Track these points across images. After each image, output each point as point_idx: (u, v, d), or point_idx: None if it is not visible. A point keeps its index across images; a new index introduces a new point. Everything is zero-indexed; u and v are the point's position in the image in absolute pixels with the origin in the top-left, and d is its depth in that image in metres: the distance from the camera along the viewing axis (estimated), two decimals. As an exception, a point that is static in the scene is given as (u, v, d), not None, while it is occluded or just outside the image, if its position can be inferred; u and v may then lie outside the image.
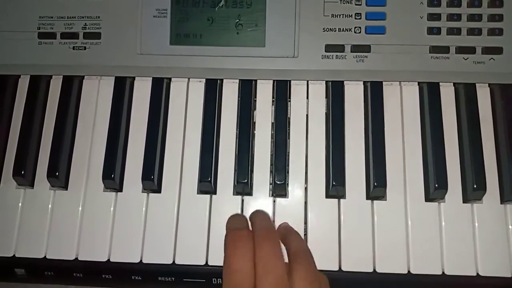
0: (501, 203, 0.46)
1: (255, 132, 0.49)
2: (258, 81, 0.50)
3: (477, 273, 0.45)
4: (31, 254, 0.47)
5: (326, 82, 0.50)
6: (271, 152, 0.48)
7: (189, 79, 0.51)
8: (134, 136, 0.49)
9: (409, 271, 0.45)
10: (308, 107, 0.49)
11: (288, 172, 0.47)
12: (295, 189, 0.47)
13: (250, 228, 0.41)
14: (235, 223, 0.41)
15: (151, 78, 0.51)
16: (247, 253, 0.37)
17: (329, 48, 0.48)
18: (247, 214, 0.46)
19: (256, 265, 0.36)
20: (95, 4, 0.50)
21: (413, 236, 0.45)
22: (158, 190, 0.48)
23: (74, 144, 0.49)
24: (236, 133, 0.49)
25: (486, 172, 0.46)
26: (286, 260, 0.38)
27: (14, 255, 0.47)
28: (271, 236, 0.39)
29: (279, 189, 0.47)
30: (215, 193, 0.47)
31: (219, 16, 0.49)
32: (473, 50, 0.48)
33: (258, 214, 0.43)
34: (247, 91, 0.50)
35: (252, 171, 0.48)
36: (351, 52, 0.48)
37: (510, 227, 0.46)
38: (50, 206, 0.48)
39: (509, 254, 0.45)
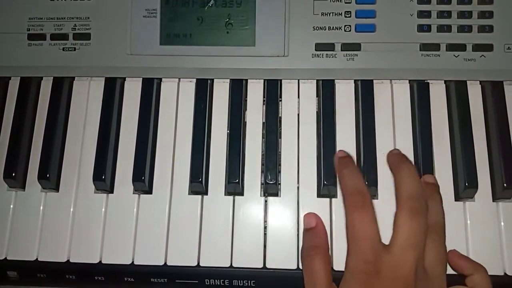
0: (493, 201, 0.46)
1: (246, 131, 0.49)
2: (249, 80, 0.50)
3: (469, 271, 0.44)
4: (23, 256, 0.47)
5: (317, 81, 0.50)
6: (262, 151, 0.48)
7: (179, 79, 0.51)
8: (124, 137, 0.49)
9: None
10: (299, 106, 0.49)
11: (279, 171, 0.47)
12: (286, 188, 0.47)
13: None
14: (353, 181, 0.41)
15: (142, 78, 0.50)
16: (372, 218, 0.38)
17: (319, 46, 0.48)
18: (238, 215, 0.47)
19: (399, 233, 0.37)
20: (84, 5, 0.50)
21: (405, 235, 0.45)
22: (149, 191, 0.48)
23: (65, 146, 0.49)
24: (227, 133, 0.49)
25: (477, 170, 0.46)
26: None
27: (5, 257, 0.47)
28: (421, 209, 0.38)
29: (270, 189, 0.47)
30: (206, 193, 0.47)
31: (209, 15, 0.49)
32: (464, 47, 0.48)
33: (408, 171, 0.41)
34: (237, 90, 0.50)
35: (243, 171, 0.48)
36: (341, 50, 0.48)
37: (502, 224, 0.46)
38: (41, 208, 0.48)
39: (501, 252, 0.45)
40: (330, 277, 0.40)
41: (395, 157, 0.44)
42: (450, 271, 0.42)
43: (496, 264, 0.45)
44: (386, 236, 0.45)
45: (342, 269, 0.44)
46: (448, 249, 0.44)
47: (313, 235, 0.43)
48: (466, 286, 0.41)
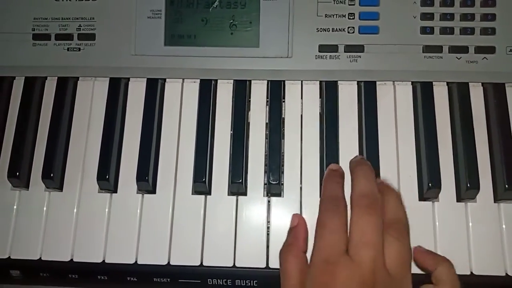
0: (494, 202, 0.46)
1: (249, 132, 0.49)
2: (252, 81, 0.50)
3: (471, 272, 0.45)
4: (26, 255, 0.47)
5: (320, 82, 0.50)
6: (265, 152, 0.48)
7: (183, 79, 0.51)
8: (128, 137, 0.49)
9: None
10: (302, 107, 0.50)
11: (282, 172, 0.48)
12: (289, 189, 0.47)
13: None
14: (333, 190, 0.41)
15: (146, 79, 0.51)
16: (342, 220, 0.37)
17: (323, 48, 0.49)
18: (242, 215, 0.47)
19: (353, 233, 0.36)
20: (89, 5, 0.50)
21: (407, 235, 0.46)
22: (153, 191, 0.48)
23: (69, 146, 0.49)
24: (231, 133, 0.49)
25: (479, 171, 0.46)
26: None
27: (9, 256, 0.47)
28: (374, 206, 0.38)
29: (273, 189, 0.47)
30: (209, 193, 0.47)
31: (213, 16, 0.50)
32: (466, 49, 0.48)
33: (362, 172, 0.41)
34: (241, 91, 0.50)
35: (246, 171, 0.48)
36: (345, 52, 0.48)
37: (503, 226, 0.46)
38: (45, 207, 0.48)
39: (502, 252, 0.45)
40: (302, 275, 0.39)
41: (354, 163, 0.44)
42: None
43: (497, 265, 0.45)
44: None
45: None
46: (450, 251, 0.44)
47: (291, 234, 0.43)
48: (432, 284, 0.40)
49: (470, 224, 0.46)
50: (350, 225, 0.38)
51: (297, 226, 0.44)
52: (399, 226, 0.38)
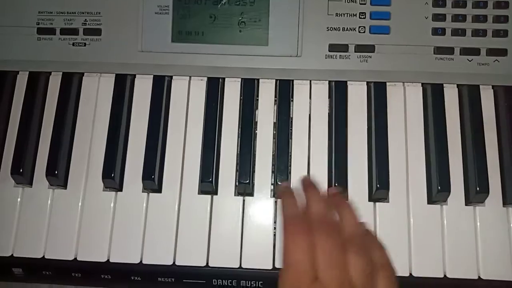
0: (503, 206, 0.46)
1: (257, 131, 0.48)
2: (261, 80, 0.50)
3: (479, 276, 0.44)
4: (29, 253, 0.46)
5: (329, 82, 0.50)
6: (273, 152, 0.48)
7: (190, 77, 0.50)
8: (134, 135, 0.49)
9: (411, 274, 0.45)
10: (310, 107, 0.49)
11: (290, 172, 0.47)
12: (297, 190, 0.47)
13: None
14: (290, 209, 0.40)
15: (152, 76, 0.50)
16: (308, 244, 0.36)
17: (333, 47, 0.48)
18: (248, 215, 0.46)
19: (319, 256, 0.35)
20: (95, 0, 0.49)
21: (415, 239, 0.45)
22: (158, 190, 0.47)
23: (73, 142, 0.49)
24: (238, 132, 0.48)
25: (489, 175, 0.46)
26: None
27: (12, 254, 0.46)
28: (332, 227, 0.38)
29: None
30: (216, 193, 0.47)
31: (221, 13, 0.49)
32: (478, 51, 0.48)
33: (312, 194, 0.41)
34: (249, 90, 0.49)
35: (254, 171, 0.47)
36: (355, 52, 0.48)
37: (512, 229, 0.46)
38: (48, 205, 0.47)
39: (511, 257, 0.45)
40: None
41: (302, 185, 0.43)
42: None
43: (505, 269, 0.45)
44: (392, 240, 0.45)
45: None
46: (458, 254, 0.44)
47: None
48: None
49: (479, 228, 0.46)
50: (315, 249, 0.36)
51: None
52: (357, 240, 0.38)
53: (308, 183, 0.42)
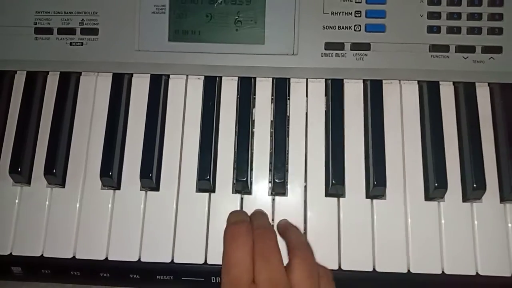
0: (500, 202, 0.46)
1: (254, 130, 0.49)
2: (258, 78, 0.50)
3: (477, 273, 0.45)
4: (28, 252, 0.46)
5: (326, 80, 0.50)
6: (270, 150, 0.48)
7: (187, 76, 0.50)
8: (132, 134, 0.49)
9: (408, 270, 0.45)
10: (307, 105, 0.49)
11: (287, 170, 0.47)
12: (294, 187, 0.47)
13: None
14: (235, 217, 0.42)
15: (149, 74, 0.50)
16: (246, 247, 0.37)
17: (329, 46, 0.48)
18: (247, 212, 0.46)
19: (255, 259, 0.36)
20: (93, 0, 0.49)
21: (413, 235, 0.45)
22: (156, 188, 0.47)
23: (71, 141, 0.49)
24: (235, 131, 0.49)
25: (485, 171, 0.46)
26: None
27: (10, 253, 0.46)
28: (269, 231, 0.39)
29: (278, 188, 0.46)
30: (214, 191, 0.47)
31: (218, 12, 0.49)
32: (473, 49, 0.48)
33: (257, 213, 0.43)
34: (246, 88, 0.49)
35: (251, 169, 0.47)
36: (351, 50, 0.48)
37: (509, 226, 0.46)
38: (47, 203, 0.47)
39: (508, 253, 0.45)
40: None
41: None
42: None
43: (503, 266, 0.45)
44: (389, 237, 0.45)
45: (350, 268, 0.44)
46: (456, 251, 0.45)
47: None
48: None
49: (476, 224, 0.46)
50: (254, 255, 0.37)
51: None
52: (301, 247, 0.39)
53: (254, 212, 0.44)
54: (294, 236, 0.41)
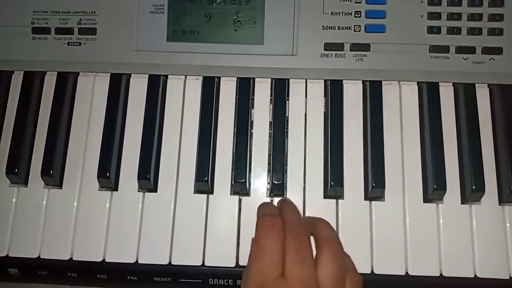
0: (499, 204, 0.46)
1: (252, 131, 0.48)
2: (256, 79, 0.50)
3: (475, 275, 0.44)
4: (24, 253, 0.46)
5: (325, 81, 0.49)
6: (269, 151, 0.48)
7: (186, 76, 0.50)
8: (130, 134, 0.48)
9: (407, 273, 0.45)
10: (306, 106, 0.49)
11: (286, 172, 0.47)
12: (293, 189, 0.47)
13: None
14: (270, 209, 0.41)
15: (148, 75, 0.50)
16: (280, 240, 0.37)
17: (328, 46, 0.48)
18: (244, 214, 0.46)
19: (287, 254, 0.36)
20: (90, -1, 0.49)
21: (411, 237, 0.45)
22: (154, 189, 0.47)
23: (68, 142, 0.49)
24: (234, 131, 0.48)
25: (484, 173, 0.45)
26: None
27: (7, 254, 0.46)
28: (303, 227, 0.39)
29: (277, 189, 0.46)
30: (212, 192, 0.47)
31: (217, 12, 0.49)
32: (473, 50, 0.47)
33: (288, 206, 0.42)
34: (245, 89, 0.49)
35: (249, 170, 0.47)
36: (351, 50, 0.48)
37: (508, 228, 0.46)
38: (44, 205, 0.47)
39: (507, 255, 0.45)
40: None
41: (279, 203, 0.44)
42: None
43: (502, 268, 0.45)
44: (388, 239, 0.45)
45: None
46: (454, 253, 0.44)
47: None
48: None
49: (475, 226, 0.46)
50: (285, 249, 0.37)
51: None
52: (333, 245, 0.38)
53: (285, 204, 0.43)
54: (324, 230, 0.40)
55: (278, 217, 0.39)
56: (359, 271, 0.43)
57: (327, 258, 0.37)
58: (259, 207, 0.43)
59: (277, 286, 0.35)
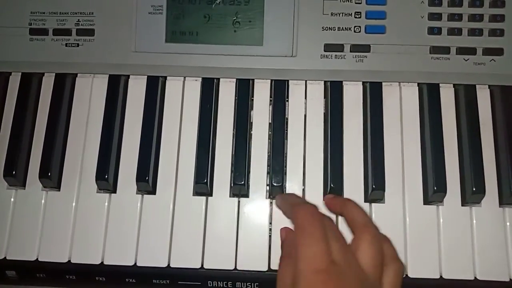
0: (499, 206, 0.46)
1: (252, 132, 0.48)
2: (256, 80, 0.49)
3: (475, 277, 0.44)
4: (22, 256, 0.46)
5: (325, 82, 0.49)
6: (268, 153, 0.47)
7: (185, 78, 0.50)
8: (128, 136, 0.48)
9: (406, 275, 0.44)
10: (306, 107, 0.49)
11: (285, 173, 0.47)
12: (292, 191, 0.46)
13: None
14: (297, 198, 0.42)
15: (146, 76, 0.49)
16: (323, 226, 0.37)
17: (328, 47, 0.48)
18: (243, 217, 0.46)
19: (332, 242, 0.36)
20: (88, 0, 0.49)
21: (411, 240, 0.45)
22: (153, 191, 0.47)
23: (66, 144, 0.48)
24: (233, 133, 0.48)
25: (485, 175, 0.45)
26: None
27: (5, 257, 0.46)
28: (326, 216, 0.39)
29: (276, 191, 0.46)
30: (211, 194, 0.47)
31: (216, 13, 0.48)
32: (474, 51, 0.47)
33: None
34: (244, 90, 0.49)
35: (249, 172, 0.47)
36: (351, 51, 0.48)
37: (508, 229, 0.45)
38: (42, 207, 0.47)
39: (507, 257, 0.45)
40: None
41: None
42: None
43: (502, 270, 0.44)
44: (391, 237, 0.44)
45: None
46: (454, 255, 0.45)
47: (286, 245, 0.43)
48: None
49: (475, 228, 0.45)
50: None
51: (286, 238, 0.43)
52: (371, 229, 0.38)
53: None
54: (357, 213, 0.40)
55: (314, 205, 0.39)
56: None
57: (367, 243, 0.37)
58: (281, 197, 0.44)
59: (333, 271, 0.35)
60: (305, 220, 0.37)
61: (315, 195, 0.46)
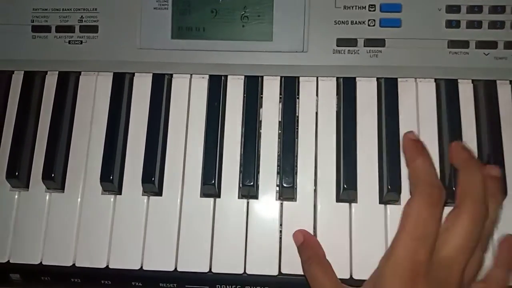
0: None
1: (261, 131, 0.47)
2: (265, 77, 0.48)
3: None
4: (26, 260, 0.45)
5: (337, 78, 0.48)
6: (278, 152, 0.46)
7: (191, 75, 0.48)
8: (133, 136, 0.47)
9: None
10: (317, 105, 0.47)
11: (296, 174, 0.45)
12: (303, 192, 0.45)
13: None
14: (429, 172, 0.38)
15: (152, 74, 0.48)
16: (440, 216, 0.36)
17: (341, 42, 0.46)
18: (253, 219, 0.45)
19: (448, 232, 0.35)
20: (92, -5, 0.48)
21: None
22: (159, 193, 0.46)
23: (70, 144, 0.47)
24: (241, 132, 0.47)
25: (506, 173, 0.44)
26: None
27: (8, 260, 0.45)
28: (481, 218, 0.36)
29: (287, 192, 0.45)
30: (219, 196, 0.45)
31: (223, 7, 0.47)
32: (495, 44, 0.45)
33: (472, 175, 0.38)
34: (253, 88, 0.48)
35: (258, 172, 0.46)
36: (364, 46, 0.46)
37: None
38: (46, 209, 0.46)
39: None
40: (333, 279, 0.40)
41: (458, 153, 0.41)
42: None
43: None
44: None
45: (362, 277, 0.42)
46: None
47: (304, 249, 0.42)
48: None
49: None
50: (455, 225, 0.36)
51: (305, 240, 0.43)
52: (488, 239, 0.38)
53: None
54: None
55: (440, 192, 0.37)
56: (367, 276, 0.42)
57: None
58: (413, 156, 0.40)
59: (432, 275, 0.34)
60: (420, 206, 0.36)
61: (328, 197, 0.45)
